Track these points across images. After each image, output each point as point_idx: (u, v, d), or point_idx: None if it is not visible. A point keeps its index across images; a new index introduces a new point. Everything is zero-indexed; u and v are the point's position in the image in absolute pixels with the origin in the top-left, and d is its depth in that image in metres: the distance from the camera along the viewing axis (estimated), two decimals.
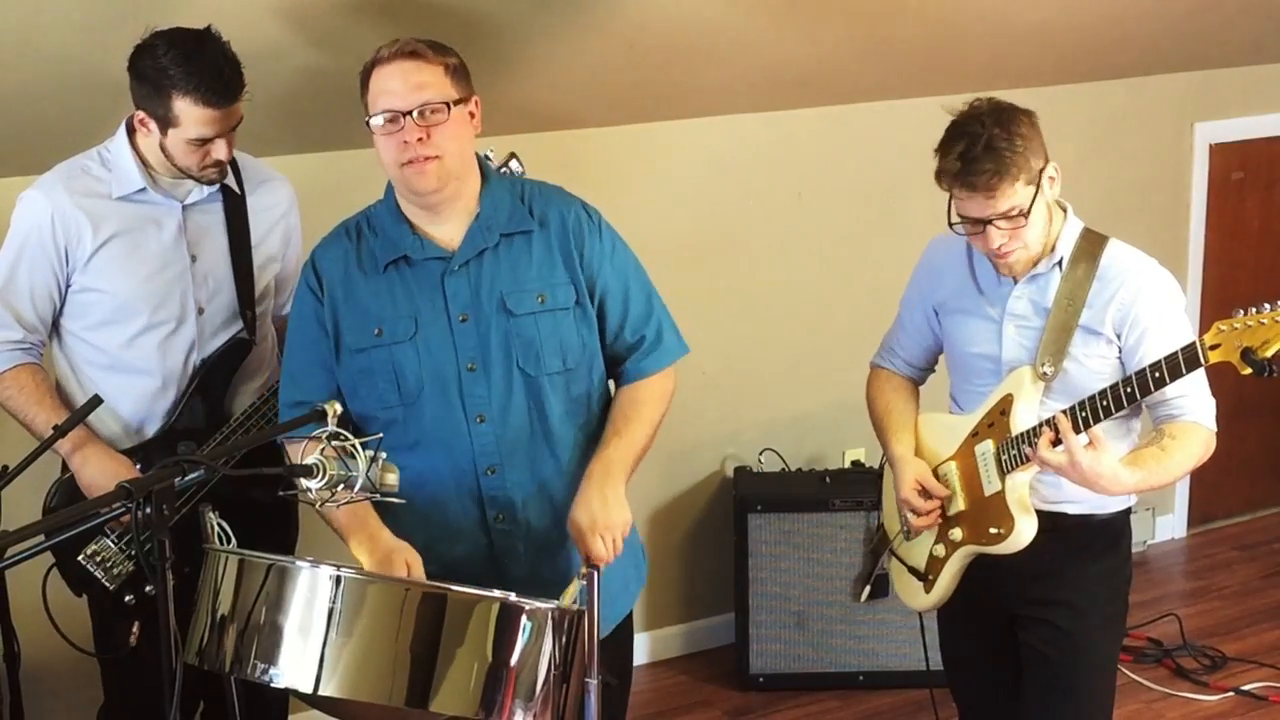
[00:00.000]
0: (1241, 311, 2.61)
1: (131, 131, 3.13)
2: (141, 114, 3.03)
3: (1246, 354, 2.57)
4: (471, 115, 2.73)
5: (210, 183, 3.15)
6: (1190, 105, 5.23)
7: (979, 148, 2.74)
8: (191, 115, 2.98)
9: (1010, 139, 2.75)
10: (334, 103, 3.64)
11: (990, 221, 2.79)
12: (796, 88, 4.47)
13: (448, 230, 2.76)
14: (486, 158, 3.49)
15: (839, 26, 4.14)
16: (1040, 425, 2.81)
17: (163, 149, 3.05)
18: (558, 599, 2.49)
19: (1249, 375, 2.59)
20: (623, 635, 2.99)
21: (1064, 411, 2.75)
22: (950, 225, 2.86)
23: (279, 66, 3.13)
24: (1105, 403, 2.73)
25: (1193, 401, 2.84)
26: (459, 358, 2.74)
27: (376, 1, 3.48)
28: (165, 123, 3.00)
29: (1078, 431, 2.74)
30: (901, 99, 4.69)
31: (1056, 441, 2.77)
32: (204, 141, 3.02)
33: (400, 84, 2.64)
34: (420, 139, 2.63)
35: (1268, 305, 2.59)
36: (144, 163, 3.12)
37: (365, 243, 2.81)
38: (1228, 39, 4.93)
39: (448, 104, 2.65)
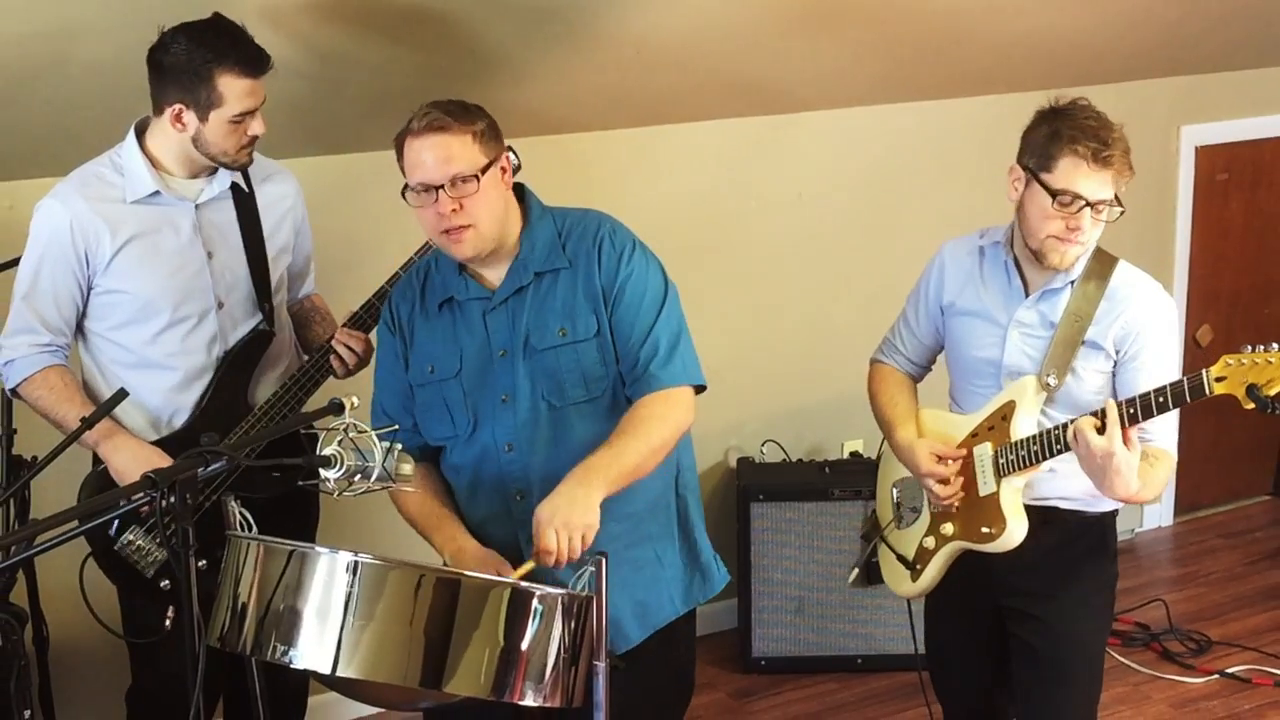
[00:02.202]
0: (1250, 348, 2.63)
1: (140, 134, 3.16)
2: (177, 107, 3.05)
3: (1252, 390, 2.60)
4: (504, 171, 2.79)
5: (241, 166, 3.19)
6: (1176, 109, 5.26)
7: (1114, 133, 2.82)
8: (235, 89, 3.03)
9: (1121, 137, 2.85)
10: (334, 107, 3.71)
11: (1094, 205, 2.82)
12: (797, 92, 4.51)
13: (495, 273, 2.84)
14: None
15: (838, 33, 4.18)
16: (1057, 428, 2.85)
17: (196, 141, 3.09)
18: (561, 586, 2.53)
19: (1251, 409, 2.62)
20: (678, 641, 3.00)
21: (1118, 403, 2.75)
22: (1054, 197, 2.82)
23: (279, 72, 3.18)
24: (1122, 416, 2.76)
25: (1164, 429, 2.92)
26: (496, 391, 2.82)
27: (382, 14, 3.51)
28: (208, 106, 3.04)
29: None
30: (898, 103, 4.75)
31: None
32: (243, 118, 3.07)
33: (430, 157, 2.69)
34: (454, 210, 2.70)
35: (1276, 345, 2.61)
36: (155, 165, 3.15)
37: (430, 284, 2.91)
38: (1213, 45, 4.96)
39: (477, 175, 2.71)
